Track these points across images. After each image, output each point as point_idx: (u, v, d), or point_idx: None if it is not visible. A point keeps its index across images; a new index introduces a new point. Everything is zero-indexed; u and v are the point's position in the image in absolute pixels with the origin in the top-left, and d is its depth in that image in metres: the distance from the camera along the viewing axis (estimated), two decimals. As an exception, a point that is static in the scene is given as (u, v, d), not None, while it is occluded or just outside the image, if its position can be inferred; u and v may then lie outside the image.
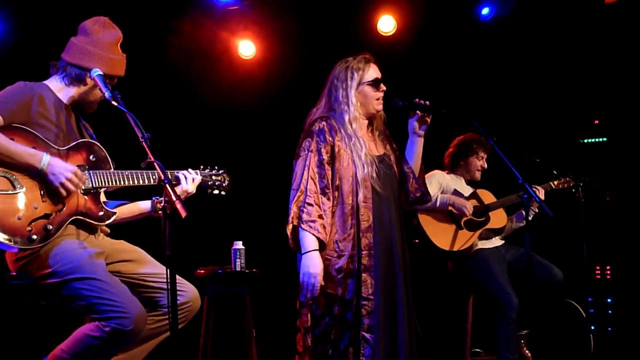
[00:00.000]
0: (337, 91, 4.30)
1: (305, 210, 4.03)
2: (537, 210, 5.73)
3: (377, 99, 4.28)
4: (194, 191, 4.06)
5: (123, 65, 3.97)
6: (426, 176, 5.71)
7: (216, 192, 4.27)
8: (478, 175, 5.97)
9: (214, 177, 4.26)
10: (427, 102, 4.21)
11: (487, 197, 5.84)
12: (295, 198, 4.07)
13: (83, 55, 3.84)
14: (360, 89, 4.26)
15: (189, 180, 4.04)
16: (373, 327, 4.02)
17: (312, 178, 4.10)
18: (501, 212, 5.83)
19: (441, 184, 5.82)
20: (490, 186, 5.96)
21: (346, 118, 4.22)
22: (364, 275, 4.06)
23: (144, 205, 4.08)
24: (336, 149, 4.16)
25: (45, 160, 3.54)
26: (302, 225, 4.01)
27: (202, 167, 4.24)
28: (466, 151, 5.96)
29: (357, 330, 4.03)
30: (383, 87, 4.30)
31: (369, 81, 4.27)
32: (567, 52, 7.04)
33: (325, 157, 4.15)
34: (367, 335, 4.01)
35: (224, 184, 4.29)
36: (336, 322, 4.04)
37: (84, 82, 3.87)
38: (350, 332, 4.03)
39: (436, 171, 5.95)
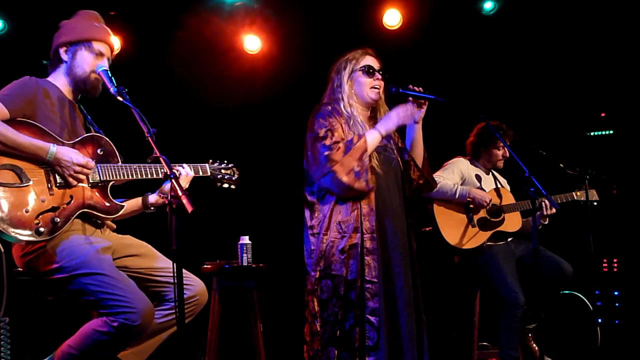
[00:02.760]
0: (334, 82, 4.41)
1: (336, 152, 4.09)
2: (546, 222, 5.72)
3: (372, 87, 4.32)
4: (187, 187, 4.04)
5: (98, 30, 3.96)
6: (448, 163, 5.78)
7: (226, 185, 4.29)
8: (500, 164, 5.91)
9: (223, 171, 4.27)
10: (421, 89, 4.20)
11: (507, 197, 5.80)
12: (333, 151, 4.09)
13: (58, 36, 3.94)
14: (353, 76, 4.36)
15: (183, 176, 4.02)
16: (377, 310, 4.05)
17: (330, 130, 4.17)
18: (517, 216, 5.77)
19: (463, 172, 5.77)
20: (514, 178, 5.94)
21: (341, 105, 4.30)
22: (367, 258, 4.09)
23: (152, 198, 4.10)
24: (341, 130, 4.19)
25: (52, 151, 3.55)
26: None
27: (211, 160, 4.26)
28: (487, 141, 5.86)
29: (362, 311, 4.07)
30: (378, 75, 4.32)
31: (360, 67, 4.34)
32: (573, 45, 7.01)
33: (338, 129, 4.19)
34: (372, 318, 4.05)
35: (233, 178, 4.30)
36: (342, 302, 4.07)
37: (61, 60, 3.90)
38: (355, 312, 4.07)
39: (459, 158, 5.90)
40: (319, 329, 4.12)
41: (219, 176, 4.24)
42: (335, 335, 4.09)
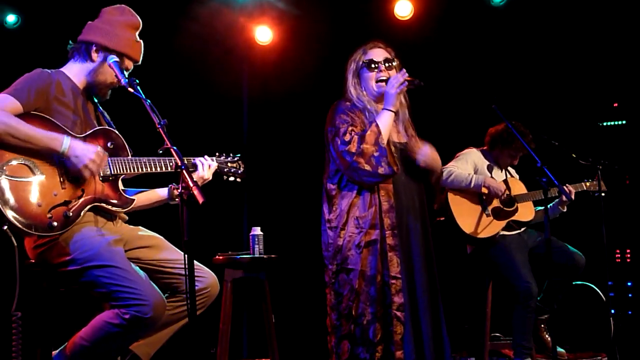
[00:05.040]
0: (345, 83, 4.45)
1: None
2: (564, 209, 5.71)
3: (377, 81, 4.35)
4: (210, 178, 4.07)
5: (136, 48, 3.93)
6: (461, 154, 5.78)
7: (232, 178, 4.28)
8: (515, 162, 5.90)
9: (229, 164, 4.26)
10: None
11: (518, 187, 5.79)
12: (351, 144, 4.14)
13: (91, 31, 3.88)
14: (358, 74, 4.41)
15: (206, 167, 4.04)
16: (402, 305, 4.11)
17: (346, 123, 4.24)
18: (530, 206, 5.76)
19: (475, 162, 5.75)
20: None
21: (355, 102, 4.29)
22: (390, 254, 4.14)
23: (162, 192, 4.11)
24: (360, 123, 4.22)
25: (66, 143, 3.54)
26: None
27: (217, 153, 4.24)
28: (506, 141, 5.75)
29: (385, 306, 4.11)
30: (382, 67, 4.32)
31: (363, 63, 4.37)
32: (585, 35, 6.98)
33: (358, 123, 4.24)
34: (399, 314, 4.08)
35: (239, 171, 4.29)
36: (357, 297, 4.09)
37: (90, 58, 3.85)
38: (374, 307, 4.09)
39: (472, 149, 5.88)
40: (334, 322, 4.16)
41: (225, 169, 4.23)
42: (350, 329, 4.12)
